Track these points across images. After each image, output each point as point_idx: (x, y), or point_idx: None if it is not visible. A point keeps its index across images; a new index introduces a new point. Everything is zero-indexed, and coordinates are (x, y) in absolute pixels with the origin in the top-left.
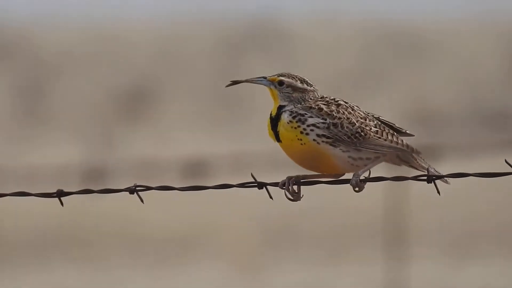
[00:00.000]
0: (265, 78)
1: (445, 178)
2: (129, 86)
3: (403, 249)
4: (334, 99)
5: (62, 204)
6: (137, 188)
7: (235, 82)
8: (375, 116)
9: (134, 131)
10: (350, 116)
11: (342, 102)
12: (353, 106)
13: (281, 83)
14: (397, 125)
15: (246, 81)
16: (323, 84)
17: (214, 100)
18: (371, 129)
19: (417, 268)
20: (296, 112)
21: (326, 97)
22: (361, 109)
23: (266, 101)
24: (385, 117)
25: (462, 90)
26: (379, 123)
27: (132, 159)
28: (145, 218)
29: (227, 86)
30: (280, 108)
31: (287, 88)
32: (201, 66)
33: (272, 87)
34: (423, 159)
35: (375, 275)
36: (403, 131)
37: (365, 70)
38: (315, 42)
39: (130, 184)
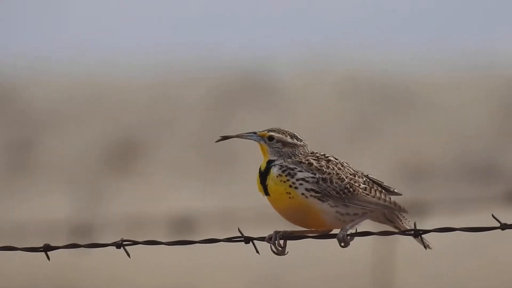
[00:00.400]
0: (255, 133)
1: (427, 243)
2: (118, 139)
3: None
4: (324, 154)
5: (48, 258)
6: (124, 243)
7: (225, 138)
8: (364, 174)
9: (122, 185)
10: (340, 172)
11: (332, 158)
12: (343, 163)
13: (271, 138)
14: (385, 184)
15: (237, 136)
16: (313, 138)
17: (203, 154)
18: (359, 185)
19: None
20: (286, 166)
21: (316, 152)
22: (351, 166)
23: (255, 156)
24: (374, 172)
25: (451, 144)
26: (368, 180)
27: (120, 214)
28: (131, 273)
29: (217, 141)
30: (270, 163)
31: (277, 143)
32: (190, 119)
33: (262, 142)
34: (408, 221)
35: None
36: (391, 189)
37: (355, 124)
38: (305, 95)
39: (117, 238)
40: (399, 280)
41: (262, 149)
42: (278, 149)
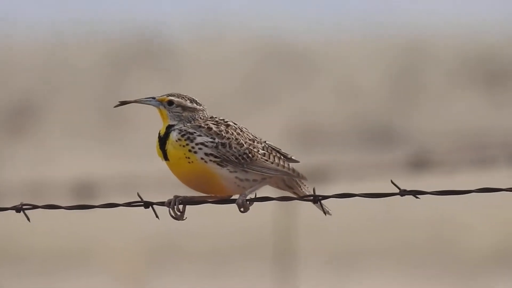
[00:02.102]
0: (154, 98)
1: (326, 209)
2: (12, 102)
3: (289, 266)
4: (223, 119)
5: None
6: (24, 207)
7: (123, 103)
8: (262, 140)
9: (18, 149)
10: (239, 137)
11: (231, 123)
12: (242, 128)
13: (170, 102)
14: (283, 151)
15: (135, 101)
16: (208, 103)
17: (99, 117)
18: (258, 151)
19: (304, 282)
20: (185, 130)
21: (216, 117)
22: (250, 132)
23: (151, 120)
24: (268, 138)
25: (346, 108)
26: (267, 146)
27: (17, 178)
28: (29, 237)
29: (116, 106)
30: (169, 127)
31: (177, 108)
32: (86, 83)
33: (161, 107)
34: (307, 187)
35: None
36: (288, 156)
37: (250, 89)
38: (200, 60)
39: (16, 203)
40: (300, 247)
41: (162, 114)
42: (178, 113)
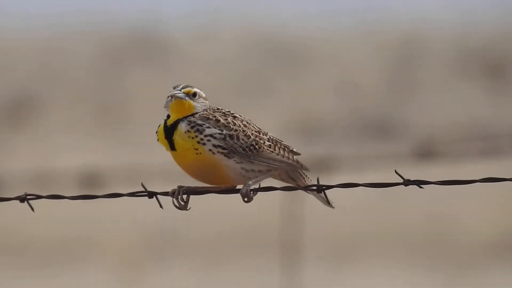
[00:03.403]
0: (180, 91)
1: (328, 200)
2: (12, 95)
3: (293, 256)
4: (229, 111)
5: None
6: (28, 197)
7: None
8: (263, 132)
9: (18, 141)
10: (246, 129)
11: (237, 115)
12: (248, 120)
13: (195, 94)
14: (284, 143)
15: (172, 96)
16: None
17: (98, 110)
18: (264, 142)
19: (306, 274)
20: (194, 122)
21: (222, 109)
22: (254, 124)
23: (149, 111)
24: (269, 131)
25: (345, 100)
26: (271, 137)
27: (19, 170)
28: (32, 226)
29: (166, 107)
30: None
31: (199, 99)
32: (85, 75)
33: (187, 98)
34: (310, 179)
35: (265, 281)
36: (290, 148)
37: (248, 85)
38: (198, 56)
39: (19, 193)
40: (304, 234)
41: (183, 106)
42: (203, 103)
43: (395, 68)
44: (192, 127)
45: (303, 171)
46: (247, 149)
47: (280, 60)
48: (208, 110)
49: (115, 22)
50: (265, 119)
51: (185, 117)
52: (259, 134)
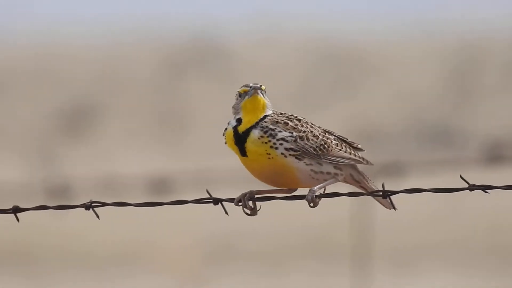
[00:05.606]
0: (260, 88)
1: (392, 204)
2: (73, 104)
3: (365, 265)
4: (292, 114)
5: (17, 219)
6: (93, 204)
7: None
8: (328, 130)
9: (79, 150)
10: (313, 130)
11: (301, 118)
12: (311, 122)
13: (265, 90)
14: (349, 140)
15: (254, 91)
16: None
17: (156, 118)
18: (332, 141)
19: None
20: (266, 127)
21: (285, 113)
22: (317, 125)
23: (208, 119)
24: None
25: (402, 107)
26: (336, 136)
27: (83, 178)
28: (92, 234)
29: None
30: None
31: (266, 97)
32: (143, 84)
33: (263, 94)
34: (373, 182)
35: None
36: (354, 145)
37: (306, 91)
38: (256, 63)
39: (85, 201)
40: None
41: (258, 103)
42: (268, 102)
43: (455, 74)
44: (265, 132)
45: (365, 175)
46: (317, 149)
47: (338, 67)
48: (273, 115)
49: (174, 29)
50: (325, 125)
51: (257, 123)
52: (325, 133)
